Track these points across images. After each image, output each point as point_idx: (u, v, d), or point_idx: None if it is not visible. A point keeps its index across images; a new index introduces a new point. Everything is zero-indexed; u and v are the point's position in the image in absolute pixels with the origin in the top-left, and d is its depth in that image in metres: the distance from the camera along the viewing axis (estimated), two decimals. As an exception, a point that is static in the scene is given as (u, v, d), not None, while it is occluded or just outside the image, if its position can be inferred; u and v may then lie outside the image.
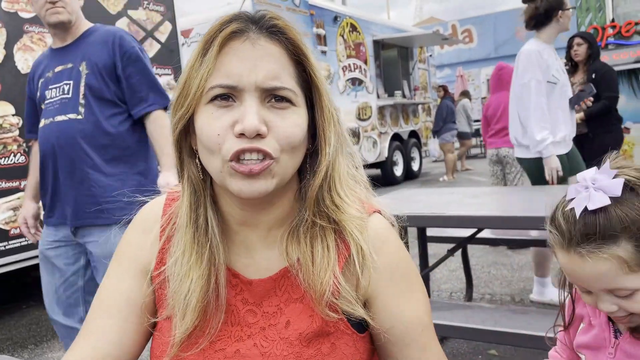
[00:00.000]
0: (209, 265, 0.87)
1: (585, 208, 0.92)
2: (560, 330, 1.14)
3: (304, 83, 0.87)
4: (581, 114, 4.45)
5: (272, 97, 0.82)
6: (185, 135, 0.88)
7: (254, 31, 0.83)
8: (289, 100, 0.83)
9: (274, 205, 0.89)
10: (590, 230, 0.91)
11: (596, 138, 4.38)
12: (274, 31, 0.84)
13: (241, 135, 0.79)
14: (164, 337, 0.89)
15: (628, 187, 0.92)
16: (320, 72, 0.89)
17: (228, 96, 0.81)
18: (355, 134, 9.94)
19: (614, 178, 0.92)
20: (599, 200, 0.91)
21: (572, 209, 0.94)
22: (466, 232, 3.22)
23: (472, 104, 12.58)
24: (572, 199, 0.95)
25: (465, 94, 12.78)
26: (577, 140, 3.83)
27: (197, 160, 0.88)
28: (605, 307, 0.96)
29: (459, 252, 3.39)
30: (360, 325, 0.90)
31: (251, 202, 0.86)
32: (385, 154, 10.76)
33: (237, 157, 0.80)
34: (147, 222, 0.97)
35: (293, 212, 0.91)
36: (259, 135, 0.79)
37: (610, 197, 0.91)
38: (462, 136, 11.72)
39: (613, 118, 4.51)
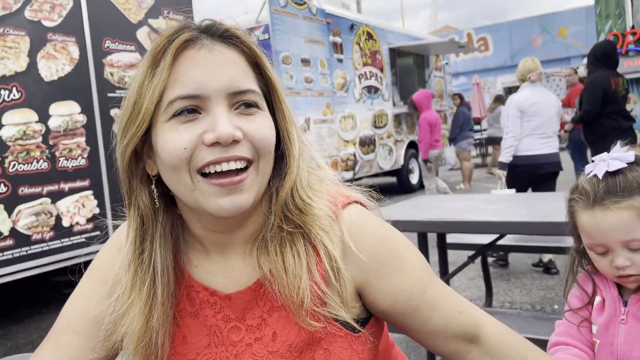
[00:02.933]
0: (148, 304, 0.82)
1: (606, 172, 1.10)
2: (577, 311, 1.22)
3: (263, 87, 0.84)
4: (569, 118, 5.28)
5: (240, 103, 0.79)
6: (137, 161, 0.83)
7: (207, 38, 0.79)
8: (255, 105, 0.81)
9: (248, 221, 0.86)
10: (612, 187, 1.09)
11: (590, 145, 4.97)
12: (228, 36, 0.81)
13: (214, 144, 0.75)
14: None
15: (636, 160, 1.11)
16: (276, 74, 0.86)
17: (192, 109, 0.77)
18: (372, 142, 9.94)
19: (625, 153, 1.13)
20: (616, 165, 1.10)
21: (595, 174, 1.12)
22: (485, 239, 3.20)
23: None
24: (592, 170, 1.14)
25: (499, 99, 12.62)
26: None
27: (152, 187, 0.83)
28: (620, 261, 1.10)
29: (478, 260, 3.37)
30: (352, 325, 0.85)
31: (227, 222, 0.82)
32: (401, 161, 10.73)
33: (209, 166, 0.76)
34: (120, 242, 0.93)
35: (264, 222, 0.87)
36: (234, 142, 0.76)
37: (625, 164, 1.10)
38: (497, 141, 11.56)
39: (599, 130, 4.74)
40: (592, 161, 1.16)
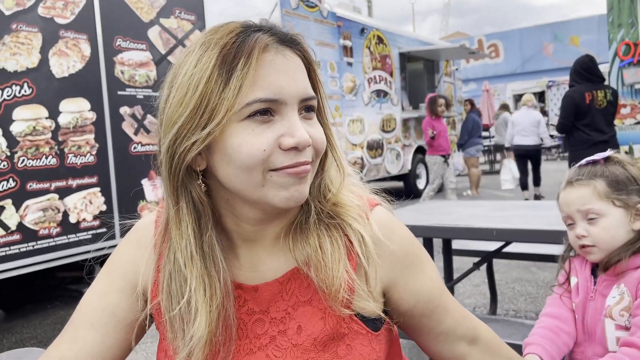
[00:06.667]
0: (222, 296, 0.83)
1: (584, 162, 1.40)
2: (559, 285, 1.48)
3: None
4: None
5: (304, 108, 0.82)
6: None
7: (277, 42, 0.80)
8: (313, 110, 0.85)
9: (286, 213, 0.88)
10: (581, 172, 1.38)
11: (569, 153, 5.57)
12: (295, 42, 0.83)
13: (290, 149, 0.78)
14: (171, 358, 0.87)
15: (614, 161, 1.37)
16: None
17: (267, 111, 0.78)
18: (379, 146, 9.93)
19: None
20: (590, 159, 1.39)
21: (578, 165, 1.41)
22: (491, 247, 3.19)
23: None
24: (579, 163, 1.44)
25: (505, 107, 12.68)
26: None
27: (199, 181, 0.83)
28: (579, 231, 1.34)
29: (483, 267, 3.35)
30: (374, 323, 0.88)
31: (272, 214, 0.85)
32: (409, 166, 10.71)
33: (283, 169, 0.79)
34: (141, 238, 0.94)
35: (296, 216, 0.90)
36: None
37: (599, 159, 1.38)
38: (505, 148, 11.52)
39: (572, 141, 5.25)
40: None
